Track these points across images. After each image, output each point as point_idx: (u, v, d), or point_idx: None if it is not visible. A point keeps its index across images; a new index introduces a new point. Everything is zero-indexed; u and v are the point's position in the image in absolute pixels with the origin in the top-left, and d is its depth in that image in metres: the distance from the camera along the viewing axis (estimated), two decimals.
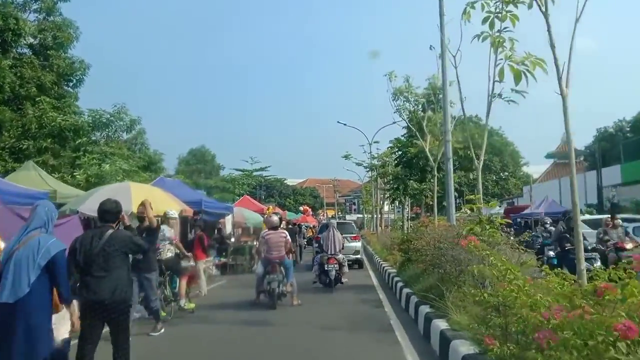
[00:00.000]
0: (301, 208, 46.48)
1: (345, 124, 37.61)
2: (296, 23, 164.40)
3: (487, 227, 8.07)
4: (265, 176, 75.51)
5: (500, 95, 8.36)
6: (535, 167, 66.04)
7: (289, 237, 11.81)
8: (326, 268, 14.12)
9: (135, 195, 11.62)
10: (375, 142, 33.24)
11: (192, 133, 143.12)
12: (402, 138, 15.33)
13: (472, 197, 8.51)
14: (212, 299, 13.48)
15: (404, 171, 14.18)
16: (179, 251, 11.29)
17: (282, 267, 11.20)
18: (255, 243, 21.31)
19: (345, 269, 14.73)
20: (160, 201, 12.01)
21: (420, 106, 15.61)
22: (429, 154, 12.80)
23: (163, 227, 10.76)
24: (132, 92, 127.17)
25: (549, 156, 57.76)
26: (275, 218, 12.07)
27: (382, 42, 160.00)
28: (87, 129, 20.88)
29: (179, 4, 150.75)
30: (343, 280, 14.58)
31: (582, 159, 54.52)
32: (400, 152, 14.77)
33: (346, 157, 32.58)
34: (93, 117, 21.75)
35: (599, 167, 36.38)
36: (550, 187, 46.66)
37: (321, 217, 58.90)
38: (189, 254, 12.13)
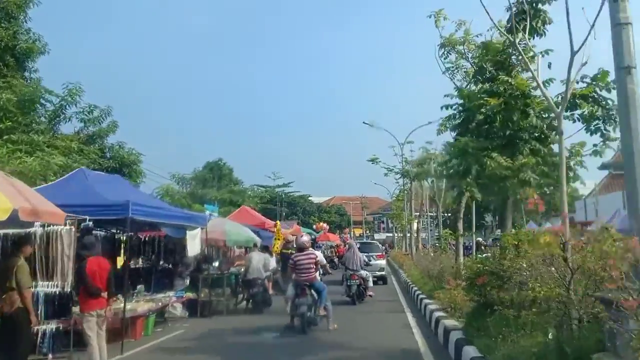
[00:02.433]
0: (314, 226, 38.99)
1: (372, 125, 31.10)
2: (318, 36, 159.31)
3: None
4: (288, 192, 68.86)
5: None
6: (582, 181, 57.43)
7: (320, 257, 11.26)
8: (349, 283, 14.55)
9: None
10: (409, 142, 26.48)
11: (215, 147, 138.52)
12: (467, 89, 8.50)
13: None
14: None
15: (476, 142, 7.17)
16: None
17: (312, 290, 10.33)
18: (242, 269, 14.68)
19: (370, 283, 15.33)
20: None
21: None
22: (545, 93, 5.98)
23: None
24: (155, 105, 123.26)
25: (603, 167, 49.29)
26: (305, 239, 11.28)
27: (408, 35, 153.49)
28: (10, 109, 14.62)
29: (208, 19, 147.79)
30: (369, 293, 15.14)
31: None
32: (463, 113, 7.78)
33: (373, 161, 25.80)
34: (22, 94, 15.42)
35: None
36: (611, 200, 38.55)
37: (346, 236, 51.72)
38: None
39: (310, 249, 11.16)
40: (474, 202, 11.13)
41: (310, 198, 75.44)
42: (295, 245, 18.09)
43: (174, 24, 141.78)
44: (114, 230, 15.31)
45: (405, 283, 19.91)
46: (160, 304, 11.05)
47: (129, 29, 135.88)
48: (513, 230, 7.99)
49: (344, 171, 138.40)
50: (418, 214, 25.28)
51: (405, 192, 28.36)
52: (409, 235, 33.55)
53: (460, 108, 8.07)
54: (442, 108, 8.17)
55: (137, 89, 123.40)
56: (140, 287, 12.31)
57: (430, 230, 39.69)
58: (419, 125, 27.62)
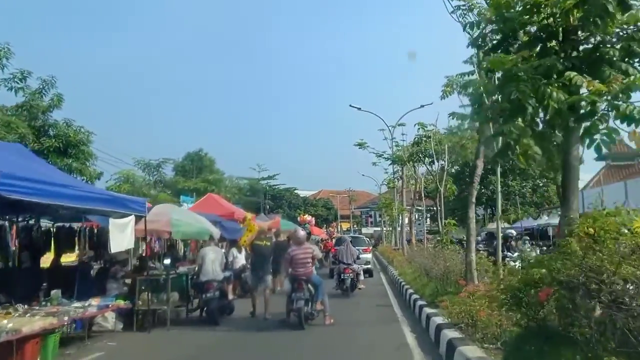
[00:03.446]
0: (298, 218, 35.53)
1: (359, 108, 28.22)
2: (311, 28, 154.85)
3: None
4: (273, 185, 65.57)
5: None
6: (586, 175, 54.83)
7: (317, 251, 10.76)
8: (342, 277, 14.77)
9: None
10: (400, 125, 23.57)
11: (204, 141, 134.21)
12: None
13: None
14: None
15: (530, 63, 4.25)
16: None
17: (309, 285, 9.90)
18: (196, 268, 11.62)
19: (361, 276, 15.82)
20: None
21: None
22: None
23: None
24: (145, 95, 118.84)
25: (600, 158, 46.71)
26: (302, 233, 10.72)
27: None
28: None
29: (199, 15, 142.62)
30: (360, 286, 15.37)
31: None
32: (499, 30, 4.82)
33: (361, 145, 22.89)
34: None
35: None
36: (612, 191, 35.94)
37: (332, 230, 48.81)
38: None
39: (306, 242, 10.71)
40: (499, 177, 8.18)
41: (296, 191, 72.17)
42: (271, 236, 16.48)
43: (170, 17, 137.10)
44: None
45: (397, 283, 17.00)
46: (66, 318, 7.92)
47: (127, 20, 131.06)
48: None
49: (332, 165, 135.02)
50: (412, 205, 22.26)
51: (396, 180, 25.40)
52: (399, 228, 30.70)
53: (494, 26, 5.05)
54: (465, 28, 5.17)
55: (127, 79, 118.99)
56: (55, 292, 9.22)
57: (419, 224, 36.74)
58: (411, 109, 24.76)
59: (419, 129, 14.78)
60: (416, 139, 15.12)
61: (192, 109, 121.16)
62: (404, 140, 23.15)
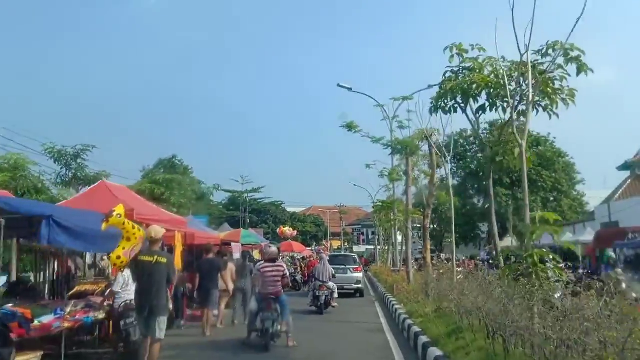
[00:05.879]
0: (277, 230, 28.48)
1: (350, 89, 21.67)
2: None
3: None
4: (258, 199, 58.20)
5: None
6: (592, 191, 48.24)
7: (287, 270, 9.89)
8: (317, 294, 14.62)
9: None
10: (407, 99, 16.75)
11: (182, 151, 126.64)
12: None
13: None
14: None
15: None
16: None
17: (277, 304, 9.15)
18: None
19: (335, 294, 15.32)
20: None
21: None
22: None
23: None
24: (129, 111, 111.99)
25: (624, 167, 40.14)
26: (273, 249, 9.95)
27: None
28: None
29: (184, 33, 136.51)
30: (333, 304, 15.04)
31: None
32: None
33: (349, 127, 16.16)
34: None
35: None
36: None
37: (319, 247, 41.45)
38: None
39: (279, 259, 9.94)
40: None
41: (283, 206, 64.81)
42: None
43: (153, 34, 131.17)
44: None
45: (405, 329, 9.87)
46: None
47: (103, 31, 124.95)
48: None
49: (324, 182, 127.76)
50: (427, 205, 15.04)
51: (399, 173, 18.37)
52: (399, 247, 23.60)
53: None
54: None
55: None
56: None
57: (414, 242, 29.52)
58: (419, 90, 17.74)
59: (452, 56, 7.83)
60: (447, 73, 8.18)
61: (174, 121, 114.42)
62: (409, 119, 16.29)
